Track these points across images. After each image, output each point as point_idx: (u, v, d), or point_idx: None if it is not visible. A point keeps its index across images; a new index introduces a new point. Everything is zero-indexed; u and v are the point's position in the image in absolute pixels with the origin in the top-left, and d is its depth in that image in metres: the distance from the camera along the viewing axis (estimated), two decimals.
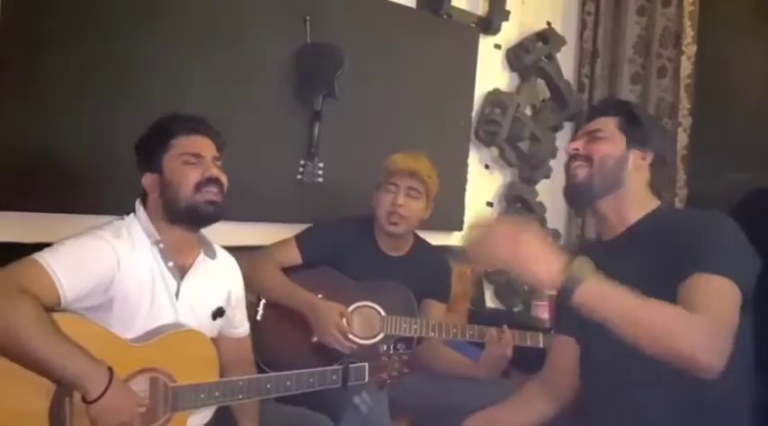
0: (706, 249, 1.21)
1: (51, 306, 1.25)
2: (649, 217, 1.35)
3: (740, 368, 1.20)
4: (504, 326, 1.90)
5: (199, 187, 1.41)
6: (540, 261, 1.09)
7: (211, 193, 1.42)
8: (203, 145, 1.45)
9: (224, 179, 1.46)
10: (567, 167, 1.41)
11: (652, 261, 1.27)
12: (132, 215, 1.45)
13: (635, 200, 1.36)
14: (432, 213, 2.09)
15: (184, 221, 1.44)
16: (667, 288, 1.19)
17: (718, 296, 1.16)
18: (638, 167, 1.36)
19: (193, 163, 1.42)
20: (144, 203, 1.45)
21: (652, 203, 1.38)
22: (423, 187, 2.00)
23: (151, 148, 1.44)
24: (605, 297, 1.10)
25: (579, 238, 3.31)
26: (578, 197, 1.40)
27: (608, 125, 1.39)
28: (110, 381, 1.20)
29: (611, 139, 1.37)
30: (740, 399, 1.26)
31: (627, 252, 1.31)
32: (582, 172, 1.37)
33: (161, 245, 1.42)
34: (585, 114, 1.64)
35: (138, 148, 1.47)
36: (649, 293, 1.22)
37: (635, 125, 1.38)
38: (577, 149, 1.39)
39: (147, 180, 1.44)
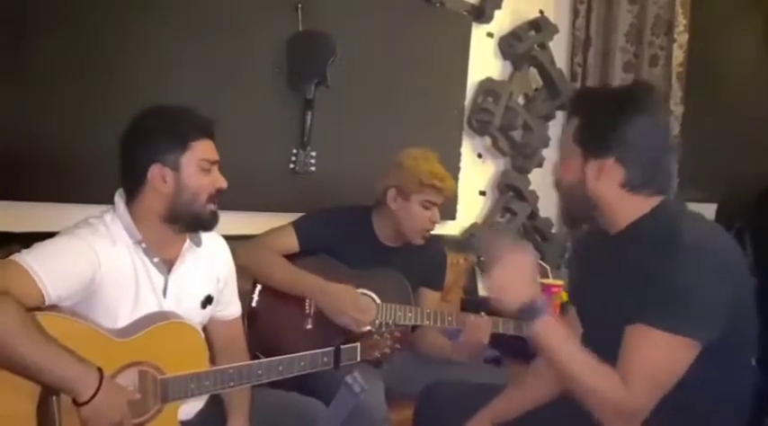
0: (660, 296, 1.16)
1: (35, 308, 1.20)
2: (635, 225, 1.28)
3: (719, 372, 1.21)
4: (483, 313, 1.91)
5: (211, 199, 1.40)
6: (522, 283, 1.23)
7: (216, 204, 1.42)
8: (214, 150, 1.43)
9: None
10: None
11: (629, 272, 1.25)
12: (111, 211, 1.38)
13: (614, 207, 1.29)
14: None
15: (184, 225, 1.40)
16: (629, 308, 1.20)
17: (655, 359, 1.16)
18: (601, 175, 1.27)
19: (208, 169, 1.40)
20: (132, 197, 1.38)
21: (641, 204, 1.28)
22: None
23: (168, 144, 1.37)
24: (551, 341, 1.22)
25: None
26: (570, 225, 1.63)
27: (567, 139, 1.33)
28: (100, 382, 1.18)
29: (568, 160, 1.32)
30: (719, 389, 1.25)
31: (619, 254, 1.29)
32: (562, 202, 1.43)
33: (143, 245, 1.37)
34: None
35: (151, 137, 1.37)
36: (619, 304, 1.24)
37: (590, 130, 1.29)
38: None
39: (157, 171, 1.35)
